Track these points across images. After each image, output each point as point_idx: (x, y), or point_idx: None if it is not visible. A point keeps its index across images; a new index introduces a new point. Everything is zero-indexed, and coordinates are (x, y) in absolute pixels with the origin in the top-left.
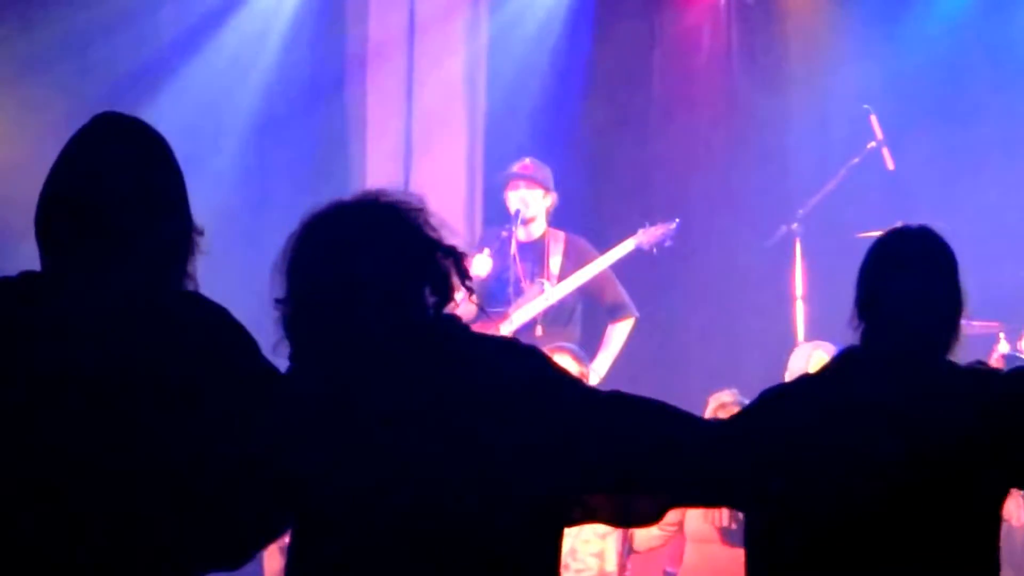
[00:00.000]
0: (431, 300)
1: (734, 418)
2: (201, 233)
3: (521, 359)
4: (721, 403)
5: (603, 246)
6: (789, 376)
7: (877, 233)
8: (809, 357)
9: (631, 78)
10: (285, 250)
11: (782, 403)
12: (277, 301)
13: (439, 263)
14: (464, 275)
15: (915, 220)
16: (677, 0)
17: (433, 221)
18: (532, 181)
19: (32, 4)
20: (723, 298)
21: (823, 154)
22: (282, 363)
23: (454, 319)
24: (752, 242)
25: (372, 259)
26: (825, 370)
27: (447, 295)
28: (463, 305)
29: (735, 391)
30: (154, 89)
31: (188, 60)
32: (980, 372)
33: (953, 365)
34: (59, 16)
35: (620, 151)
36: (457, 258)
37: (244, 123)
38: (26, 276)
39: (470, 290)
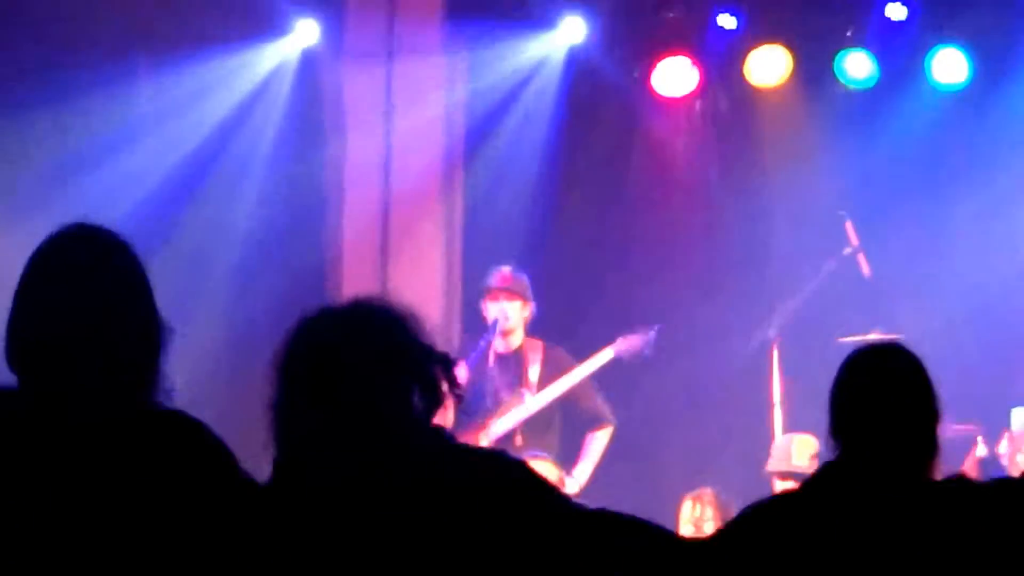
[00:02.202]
0: (419, 406)
1: (713, 538)
2: (172, 330)
3: (507, 473)
4: (697, 495)
5: (580, 352)
6: (774, 463)
7: (856, 339)
8: (791, 443)
9: (608, 183)
10: (278, 351)
11: (761, 523)
12: (267, 403)
13: (430, 370)
14: (453, 383)
15: (892, 324)
16: (653, 106)
17: (423, 327)
18: (511, 293)
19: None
20: (701, 404)
21: (799, 259)
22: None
23: (441, 430)
24: (729, 348)
25: (364, 364)
26: (804, 489)
27: (436, 402)
28: (444, 412)
29: (712, 489)
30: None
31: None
32: (959, 489)
33: (931, 484)
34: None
35: (597, 257)
36: (447, 366)
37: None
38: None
39: (459, 398)
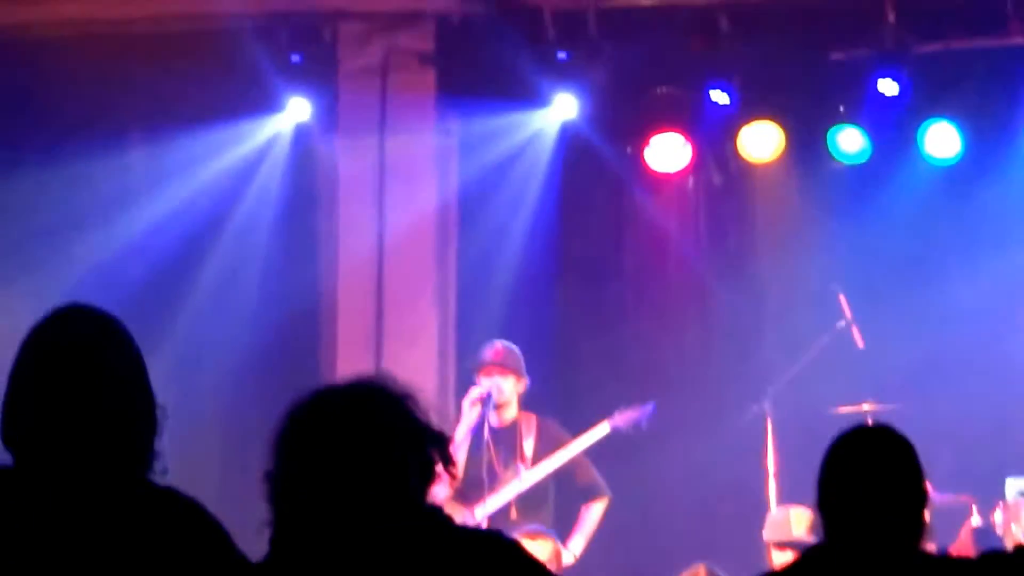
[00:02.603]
0: (415, 484)
1: None
2: (165, 411)
3: (502, 556)
4: (693, 573)
5: (574, 425)
6: (770, 533)
7: (849, 410)
8: (789, 514)
9: (601, 258)
10: (277, 426)
11: None
12: (266, 475)
13: (426, 449)
14: (448, 462)
15: (885, 395)
16: (645, 182)
17: (420, 406)
18: (504, 367)
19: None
20: (696, 477)
21: (792, 332)
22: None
23: (437, 510)
24: (724, 420)
25: (362, 442)
26: (792, 569)
27: (431, 481)
28: (439, 487)
29: (705, 566)
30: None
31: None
32: (945, 566)
33: (918, 562)
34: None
35: (591, 331)
36: (443, 445)
37: (211, 313)
38: None
39: (453, 476)
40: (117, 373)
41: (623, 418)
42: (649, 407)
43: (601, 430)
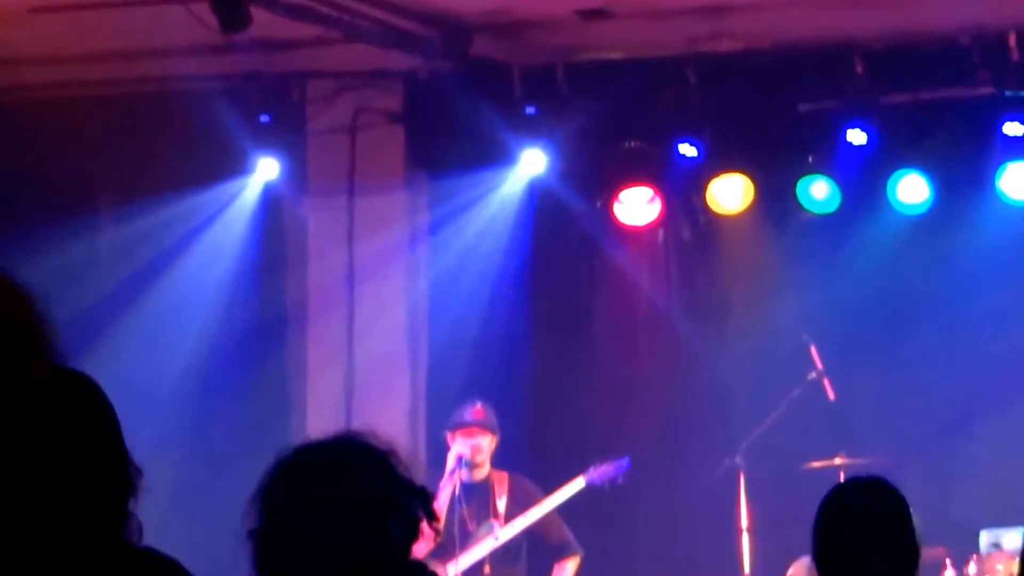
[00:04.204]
0: (398, 540)
1: None
2: (140, 472)
3: None
4: None
5: (547, 481)
6: None
7: (821, 463)
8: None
9: (571, 314)
10: (261, 482)
11: None
12: (249, 532)
13: (410, 504)
14: (432, 517)
15: (857, 448)
16: (615, 235)
17: (403, 462)
18: (484, 428)
19: None
20: (669, 532)
21: (764, 385)
22: None
23: (423, 567)
24: (696, 476)
25: (346, 498)
26: None
27: (415, 535)
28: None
29: None
30: (94, 338)
31: (128, 308)
32: None
33: None
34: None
35: (561, 388)
36: (427, 500)
37: (183, 371)
38: None
39: (436, 532)
40: (95, 432)
41: (598, 473)
42: (625, 461)
43: (576, 485)
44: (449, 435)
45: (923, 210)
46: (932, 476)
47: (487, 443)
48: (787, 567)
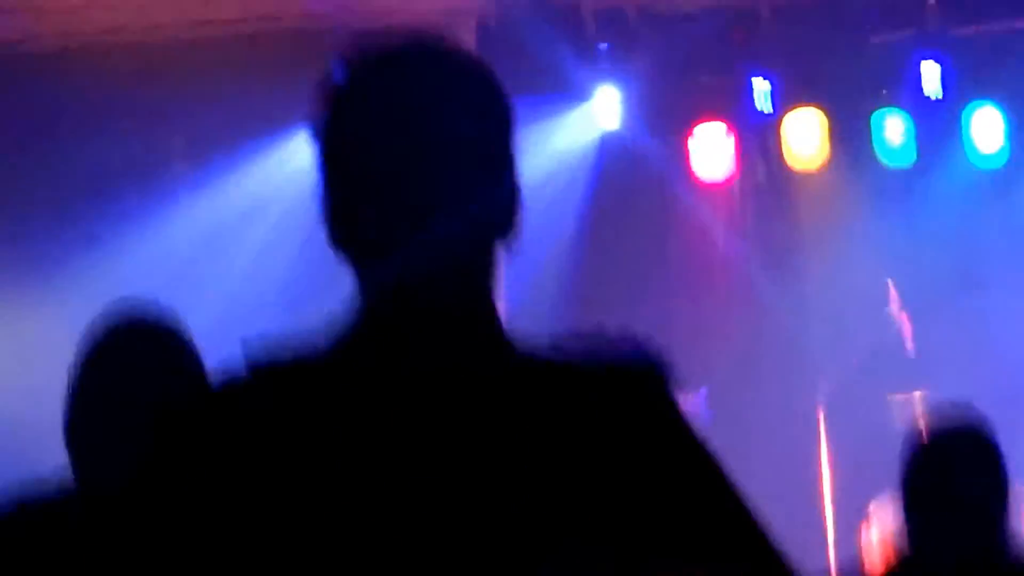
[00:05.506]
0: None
1: None
2: None
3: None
4: None
5: None
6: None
7: (903, 396)
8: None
9: (644, 258)
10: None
11: None
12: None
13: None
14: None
15: (935, 390)
16: (689, 183)
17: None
18: None
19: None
20: (747, 466)
21: (841, 328)
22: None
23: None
24: (774, 410)
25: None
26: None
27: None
28: None
29: None
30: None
31: None
32: None
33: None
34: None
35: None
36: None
37: None
38: None
39: None
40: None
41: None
42: (703, 391)
43: None
44: None
45: (999, 155)
46: (1008, 412)
47: None
48: (867, 507)
